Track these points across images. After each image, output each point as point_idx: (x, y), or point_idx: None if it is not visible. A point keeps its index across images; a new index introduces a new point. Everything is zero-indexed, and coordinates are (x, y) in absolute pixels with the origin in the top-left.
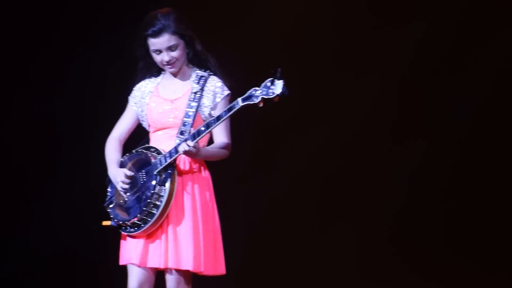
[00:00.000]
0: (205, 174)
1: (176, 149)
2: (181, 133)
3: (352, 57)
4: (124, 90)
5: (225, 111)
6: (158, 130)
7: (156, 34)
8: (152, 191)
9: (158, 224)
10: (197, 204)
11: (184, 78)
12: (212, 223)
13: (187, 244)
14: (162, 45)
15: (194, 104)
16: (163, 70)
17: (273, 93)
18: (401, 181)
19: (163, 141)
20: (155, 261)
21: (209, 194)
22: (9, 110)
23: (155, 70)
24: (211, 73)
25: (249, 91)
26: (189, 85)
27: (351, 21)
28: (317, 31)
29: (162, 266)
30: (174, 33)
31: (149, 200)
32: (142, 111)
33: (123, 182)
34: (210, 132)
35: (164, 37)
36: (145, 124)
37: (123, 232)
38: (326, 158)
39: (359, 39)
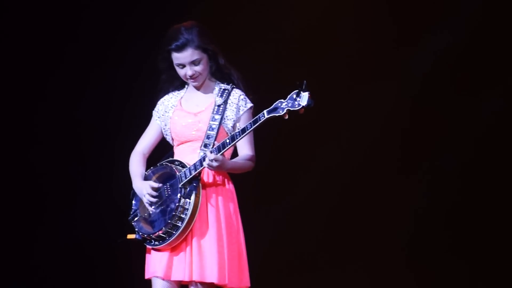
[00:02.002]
0: (229, 186)
1: (201, 162)
2: (205, 145)
3: (369, 70)
4: (148, 102)
5: (250, 123)
6: (182, 143)
7: (180, 48)
8: (177, 204)
9: (183, 237)
10: (221, 217)
11: (207, 91)
12: (236, 235)
13: (211, 256)
14: (185, 60)
15: (217, 117)
16: (186, 83)
17: (299, 104)
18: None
19: (187, 154)
20: (179, 274)
21: (233, 207)
22: (33, 118)
23: (178, 83)
24: (234, 86)
25: (275, 103)
26: (212, 98)
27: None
28: (337, 44)
29: (186, 279)
30: (198, 47)
31: (174, 213)
32: (165, 125)
33: (149, 195)
34: (235, 145)
35: (187, 51)
36: (168, 138)
37: (147, 246)
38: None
39: (377, 54)
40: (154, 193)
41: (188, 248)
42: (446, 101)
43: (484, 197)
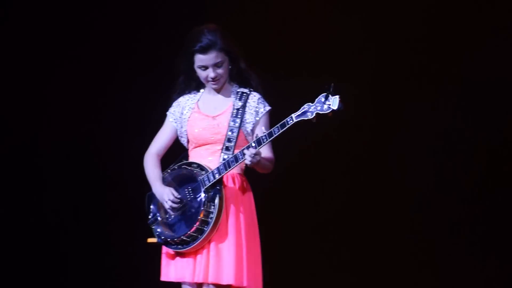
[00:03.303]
0: (248, 189)
1: (225, 166)
2: (227, 148)
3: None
4: (162, 104)
5: (277, 127)
6: (199, 146)
7: (204, 50)
8: (202, 208)
9: (207, 241)
10: (241, 220)
11: (225, 94)
12: (255, 238)
13: (229, 258)
14: (209, 62)
15: (237, 120)
16: (203, 85)
17: (329, 108)
18: None
19: (204, 157)
20: (199, 276)
21: (252, 209)
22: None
23: (195, 86)
24: (252, 90)
25: (302, 107)
26: (230, 101)
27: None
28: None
29: (201, 280)
30: (221, 50)
31: (199, 217)
32: (181, 127)
33: (172, 201)
34: (247, 142)
35: (211, 53)
36: (183, 140)
37: (169, 249)
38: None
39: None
40: (177, 200)
41: (205, 251)
42: None
43: None
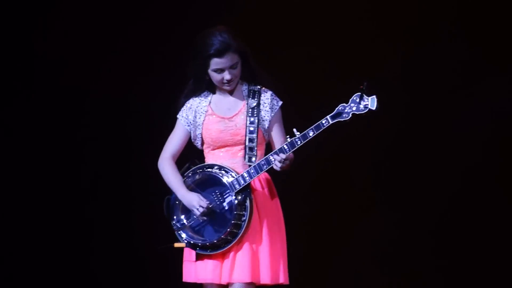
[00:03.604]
0: (272, 186)
1: (256, 169)
2: (250, 149)
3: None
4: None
5: (312, 129)
6: (218, 148)
7: (221, 53)
8: (235, 212)
9: (237, 243)
10: (270, 220)
11: (237, 94)
12: (282, 236)
13: (264, 257)
14: (226, 64)
15: (254, 119)
16: (212, 87)
17: (365, 107)
18: None
19: (226, 158)
20: (239, 276)
21: (278, 208)
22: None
23: (204, 88)
24: (261, 87)
25: (337, 108)
26: (243, 100)
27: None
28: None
29: (227, 281)
30: (235, 51)
31: (233, 221)
32: (195, 130)
33: (202, 207)
34: (265, 139)
35: (227, 56)
36: (198, 143)
37: (199, 252)
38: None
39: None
40: (205, 205)
41: (232, 253)
42: None
43: None
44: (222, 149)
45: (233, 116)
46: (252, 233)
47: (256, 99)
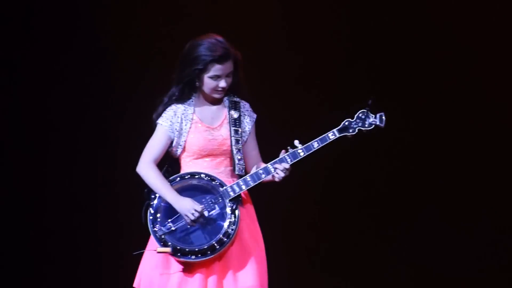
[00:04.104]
0: (248, 195)
1: (253, 178)
2: (239, 160)
3: None
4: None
5: (317, 141)
6: (203, 157)
7: (223, 59)
8: (228, 220)
9: (223, 252)
10: (251, 227)
11: (218, 103)
12: (262, 244)
13: (251, 266)
14: (224, 71)
15: (238, 129)
16: (191, 94)
17: (371, 124)
18: None
19: (209, 168)
20: (248, 283)
21: (255, 216)
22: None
23: (187, 95)
24: (240, 99)
25: (343, 123)
26: (224, 110)
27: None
28: None
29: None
30: (233, 59)
31: (224, 229)
32: (180, 138)
33: (196, 212)
34: (242, 151)
35: (227, 63)
36: (177, 151)
37: (178, 258)
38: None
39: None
40: (200, 210)
41: (216, 263)
42: None
43: None
44: (207, 158)
45: (218, 126)
46: (238, 242)
47: (237, 110)
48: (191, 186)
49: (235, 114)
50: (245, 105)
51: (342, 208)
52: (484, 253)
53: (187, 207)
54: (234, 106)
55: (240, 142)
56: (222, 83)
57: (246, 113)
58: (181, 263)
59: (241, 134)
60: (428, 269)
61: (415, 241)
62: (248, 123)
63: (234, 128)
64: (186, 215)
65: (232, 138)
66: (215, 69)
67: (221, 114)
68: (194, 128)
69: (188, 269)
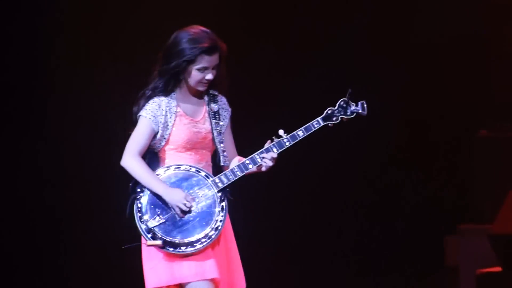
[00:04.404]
0: None
1: (241, 168)
2: (223, 151)
3: None
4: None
5: (301, 130)
6: (187, 150)
7: (212, 51)
8: (218, 210)
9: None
10: (230, 223)
11: (198, 96)
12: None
13: (237, 263)
14: (212, 63)
15: (220, 122)
16: (174, 87)
17: (353, 112)
18: None
19: (193, 161)
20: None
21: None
22: None
23: (171, 87)
24: (216, 91)
25: (326, 111)
26: (203, 103)
27: None
28: None
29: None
30: (220, 52)
31: (216, 219)
32: (165, 130)
33: (188, 202)
34: (217, 144)
35: (215, 55)
36: (161, 144)
37: (169, 252)
38: None
39: None
40: (190, 201)
41: (209, 250)
42: None
43: None
44: (190, 152)
45: (201, 119)
46: (223, 235)
47: (216, 103)
48: (179, 177)
49: (214, 107)
50: (222, 99)
51: None
52: None
53: (178, 197)
54: (213, 99)
55: (221, 134)
56: (209, 75)
57: (223, 107)
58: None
59: (221, 127)
60: None
61: None
62: (225, 117)
63: (214, 121)
64: (178, 206)
65: (214, 130)
66: (204, 60)
67: (201, 107)
68: (179, 121)
69: (178, 257)
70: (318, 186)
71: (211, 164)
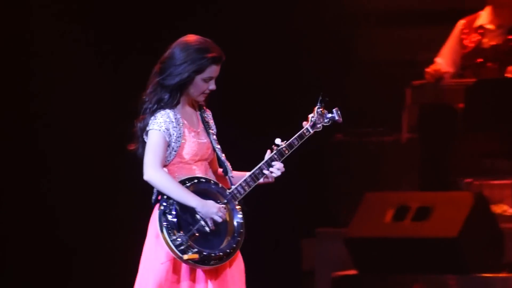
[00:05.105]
0: None
1: (252, 178)
2: (225, 160)
3: None
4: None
5: (296, 138)
6: (195, 162)
7: (219, 60)
8: (240, 222)
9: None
10: None
11: (193, 107)
12: None
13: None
14: (217, 73)
15: (212, 132)
16: (180, 100)
17: (330, 120)
18: None
19: (200, 173)
20: None
21: None
22: None
23: (178, 100)
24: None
25: (310, 119)
26: (196, 114)
27: None
28: None
29: None
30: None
31: (241, 231)
32: (176, 143)
33: (222, 214)
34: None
35: (220, 64)
36: (171, 156)
37: (204, 266)
38: None
39: None
40: (224, 213)
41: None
42: None
43: None
44: (198, 163)
45: (200, 130)
46: None
47: (205, 114)
48: (201, 190)
49: (206, 117)
50: (207, 111)
51: None
52: None
53: (213, 210)
54: (203, 110)
55: (218, 144)
56: (213, 86)
57: (210, 117)
58: (193, 270)
59: (215, 137)
60: None
61: None
62: (214, 126)
63: (210, 130)
64: (212, 218)
65: (213, 141)
66: (211, 70)
67: (195, 116)
68: (187, 133)
69: (195, 276)
70: None
71: (213, 176)
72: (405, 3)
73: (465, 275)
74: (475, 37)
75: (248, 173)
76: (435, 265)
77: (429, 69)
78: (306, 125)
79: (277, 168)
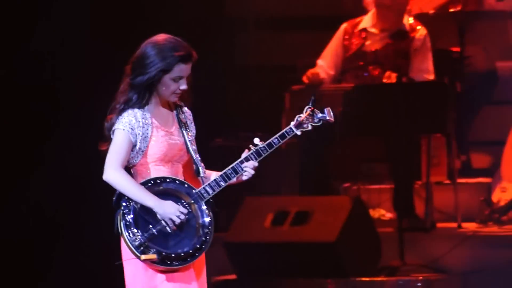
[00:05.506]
0: None
1: (224, 178)
2: (200, 161)
3: None
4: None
5: (276, 138)
6: (165, 163)
7: (187, 60)
8: (210, 220)
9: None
10: None
11: (166, 107)
12: None
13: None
14: (187, 72)
15: (189, 132)
16: (150, 100)
17: (321, 120)
18: None
19: (172, 174)
20: None
21: None
22: None
23: (147, 100)
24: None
25: (296, 119)
26: (171, 114)
27: None
28: None
29: None
30: (193, 60)
31: (207, 231)
32: (142, 143)
33: (182, 214)
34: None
35: (190, 63)
36: (139, 157)
37: (164, 266)
38: None
39: None
40: (186, 212)
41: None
42: None
43: None
44: (168, 164)
45: (174, 130)
46: None
47: (183, 113)
48: (163, 190)
49: (183, 118)
50: (187, 111)
51: None
52: None
53: (171, 210)
54: (179, 109)
55: (194, 145)
56: (183, 85)
57: (189, 118)
58: (162, 271)
59: (191, 137)
60: None
61: None
62: (194, 127)
63: (185, 131)
64: (171, 219)
65: (188, 141)
66: (180, 69)
67: (171, 117)
68: (156, 132)
69: (171, 277)
70: None
71: (183, 176)
72: (286, 8)
73: (343, 279)
74: (357, 40)
75: (219, 173)
76: (314, 269)
77: (308, 72)
78: (291, 124)
79: (250, 167)
